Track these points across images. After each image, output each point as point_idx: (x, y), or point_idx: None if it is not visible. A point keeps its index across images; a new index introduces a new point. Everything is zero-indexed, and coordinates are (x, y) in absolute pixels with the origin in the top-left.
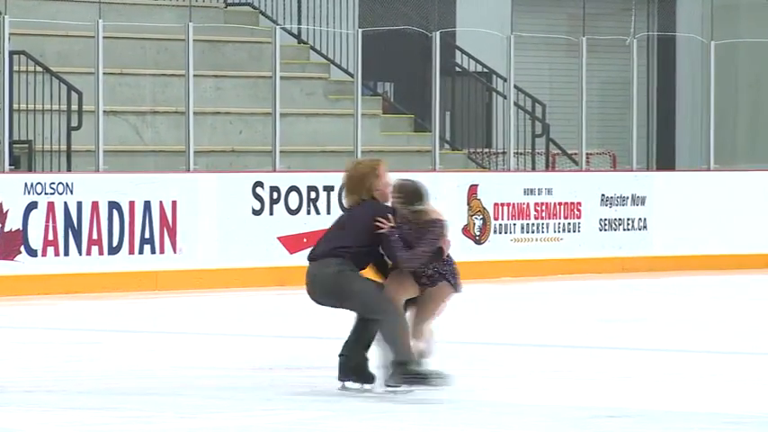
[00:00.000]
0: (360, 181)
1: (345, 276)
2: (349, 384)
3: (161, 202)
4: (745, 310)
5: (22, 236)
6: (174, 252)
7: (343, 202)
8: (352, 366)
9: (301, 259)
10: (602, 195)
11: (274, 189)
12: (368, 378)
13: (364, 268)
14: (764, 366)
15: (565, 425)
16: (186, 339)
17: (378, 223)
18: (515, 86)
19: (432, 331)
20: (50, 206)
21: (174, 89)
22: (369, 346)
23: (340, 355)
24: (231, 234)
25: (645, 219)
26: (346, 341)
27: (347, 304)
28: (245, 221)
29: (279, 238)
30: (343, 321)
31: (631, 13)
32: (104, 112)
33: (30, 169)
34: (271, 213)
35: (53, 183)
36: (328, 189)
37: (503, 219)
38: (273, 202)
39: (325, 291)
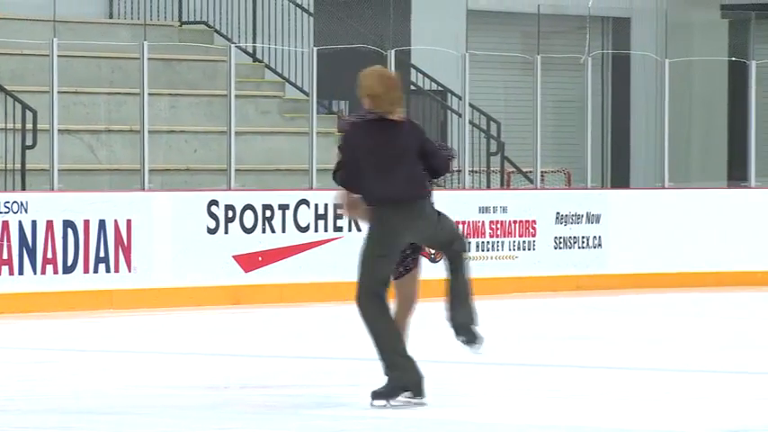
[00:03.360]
0: (400, 91)
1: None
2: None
3: (116, 220)
4: (700, 327)
5: None
6: (129, 271)
7: (384, 114)
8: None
9: (256, 277)
10: (557, 213)
11: (229, 207)
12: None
13: None
14: (719, 384)
15: None
16: (141, 358)
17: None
18: (470, 104)
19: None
20: (5, 225)
21: (129, 108)
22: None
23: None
24: (186, 253)
25: (600, 237)
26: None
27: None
28: (200, 240)
29: (234, 257)
30: (298, 341)
31: (586, 32)
32: (59, 130)
33: None
34: (226, 232)
35: (7, 202)
36: (283, 207)
37: None
38: (228, 220)
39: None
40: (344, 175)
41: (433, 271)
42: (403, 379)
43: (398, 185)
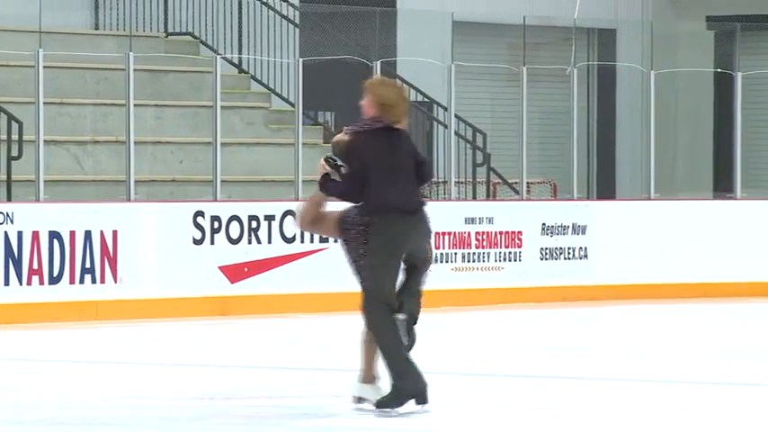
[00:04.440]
0: (409, 102)
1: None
2: None
3: (102, 231)
4: (686, 339)
5: None
6: (115, 282)
7: (391, 123)
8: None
9: (242, 288)
10: (543, 224)
11: (215, 218)
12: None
13: None
14: (705, 396)
15: None
16: (127, 369)
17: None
18: (456, 116)
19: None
20: None
21: (115, 119)
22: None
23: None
24: (172, 263)
25: (586, 248)
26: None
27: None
28: (186, 251)
29: (220, 268)
30: (284, 352)
31: (571, 43)
32: (45, 141)
33: None
34: (212, 243)
35: None
36: (269, 218)
37: (443, 248)
38: (214, 231)
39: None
40: (346, 184)
41: (432, 282)
42: (410, 387)
43: (408, 193)
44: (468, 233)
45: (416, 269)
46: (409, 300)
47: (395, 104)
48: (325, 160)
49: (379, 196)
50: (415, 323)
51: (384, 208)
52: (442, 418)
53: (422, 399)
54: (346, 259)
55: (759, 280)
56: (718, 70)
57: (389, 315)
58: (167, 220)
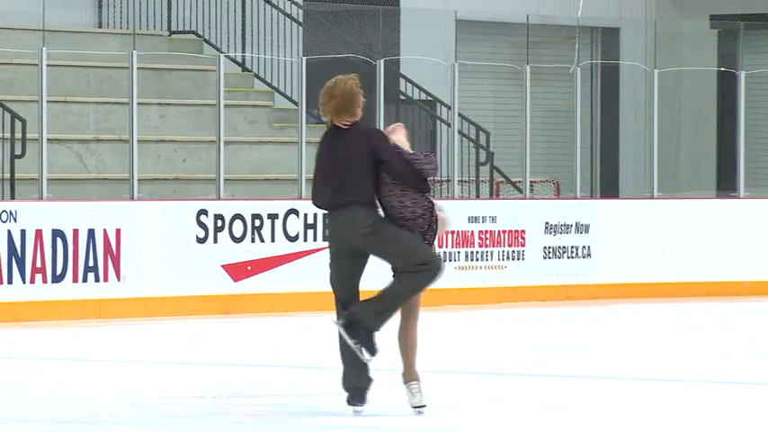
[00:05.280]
0: (356, 98)
1: (381, 226)
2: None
3: (105, 230)
4: (688, 337)
5: None
6: (118, 280)
7: (330, 119)
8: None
9: (245, 287)
10: (546, 223)
11: (218, 217)
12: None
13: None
14: (707, 394)
15: None
16: (130, 368)
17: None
18: (459, 114)
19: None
20: None
21: (118, 117)
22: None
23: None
24: (175, 262)
25: (589, 246)
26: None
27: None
28: (189, 249)
29: (223, 266)
30: (287, 351)
31: (575, 42)
32: (48, 140)
33: None
34: (215, 241)
35: None
36: (273, 217)
37: (447, 247)
38: (218, 229)
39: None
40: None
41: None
42: (344, 385)
43: (338, 190)
44: (472, 232)
45: (399, 276)
46: (370, 306)
47: (322, 103)
48: None
49: (315, 195)
50: (360, 322)
51: (318, 205)
52: (444, 416)
53: (351, 398)
54: None
55: (762, 279)
56: (722, 69)
57: (341, 310)
58: (170, 218)
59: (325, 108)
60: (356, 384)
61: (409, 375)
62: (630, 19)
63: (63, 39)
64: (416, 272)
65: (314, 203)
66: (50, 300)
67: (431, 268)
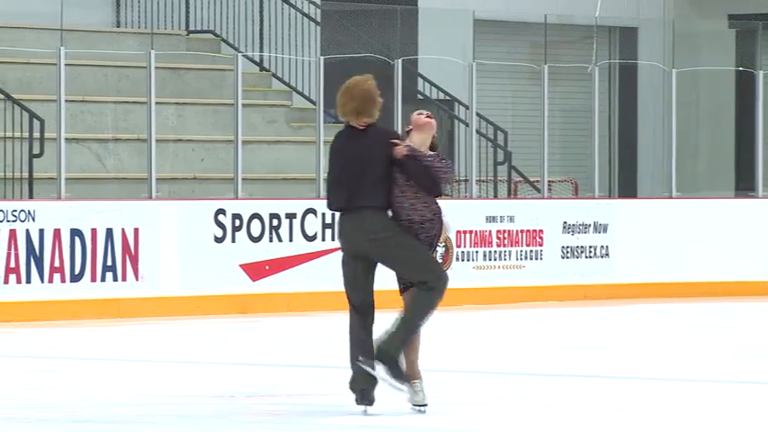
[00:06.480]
0: (375, 99)
1: (390, 234)
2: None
3: (123, 229)
4: (707, 337)
5: None
6: (136, 279)
7: (348, 120)
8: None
9: (263, 287)
10: (564, 223)
11: (236, 216)
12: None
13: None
14: (726, 395)
15: None
16: (148, 367)
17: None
18: (477, 114)
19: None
20: (12, 233)
21: (136, 117)
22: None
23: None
24: (193, 261)
25: (607, 246)
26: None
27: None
28: (207, 249)
29: (241, 266)
30: (305, 350)
31: (593, 41)
32: (66, 139)
33: None
34: (233, 241)
35: (15, 210)
36: (290, 216)
37: (465, 246)
38: (235, 229)
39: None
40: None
41: (453, 280)
42: (351, 385)
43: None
44: (490, 231)
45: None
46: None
47: (341, 104)
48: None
49: (329, 196)
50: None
51: (331, 207)
52: (462, 415)
53: (360, 398)
54: None
55: None
56: (740, 69)
57: (353, 313)
58: (188, 218)
59: (345, 109)
60: (362, 386)
61: (412, 374)
62: (648, 19)
63: (81, 38)
64: (426, 290)
65: (328, 207)
66: (69, 299)
67: (438, 286)
